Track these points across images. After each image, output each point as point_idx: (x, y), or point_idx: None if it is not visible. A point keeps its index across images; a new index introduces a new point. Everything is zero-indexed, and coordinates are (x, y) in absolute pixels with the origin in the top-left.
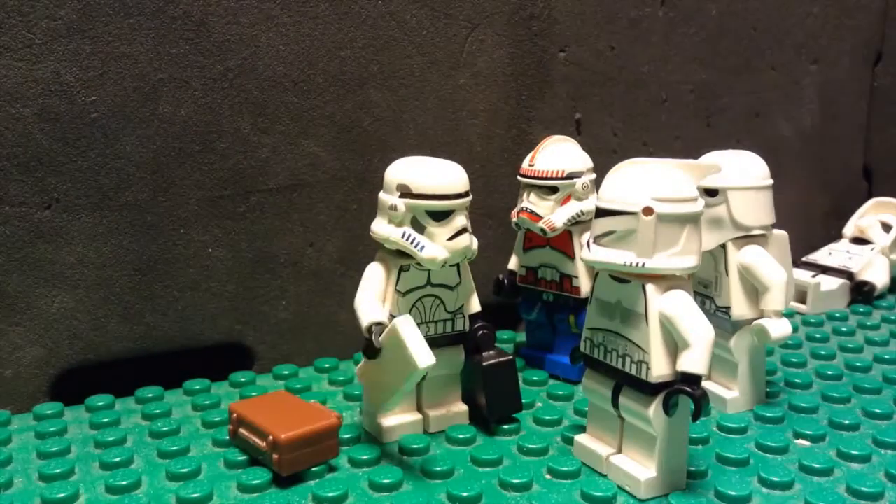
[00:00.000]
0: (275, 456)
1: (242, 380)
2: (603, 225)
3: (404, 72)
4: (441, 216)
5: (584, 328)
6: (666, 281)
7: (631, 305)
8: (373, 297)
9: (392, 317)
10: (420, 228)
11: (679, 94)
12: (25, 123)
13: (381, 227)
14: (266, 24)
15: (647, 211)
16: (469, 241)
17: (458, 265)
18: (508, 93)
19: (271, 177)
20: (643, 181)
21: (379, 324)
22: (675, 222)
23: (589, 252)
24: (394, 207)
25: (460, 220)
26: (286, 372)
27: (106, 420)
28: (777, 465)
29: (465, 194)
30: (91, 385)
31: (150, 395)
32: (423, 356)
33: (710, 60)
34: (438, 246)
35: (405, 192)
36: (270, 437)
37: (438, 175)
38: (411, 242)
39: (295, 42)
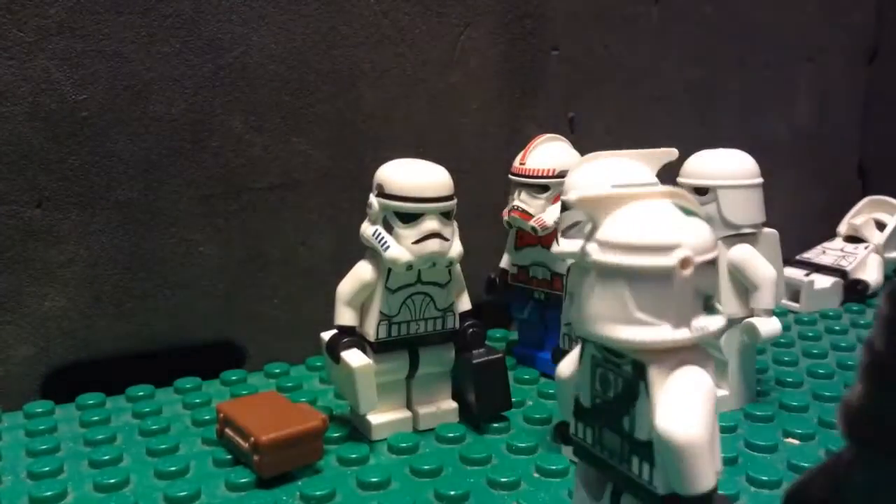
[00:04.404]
0: (255, 457)
1: (234, 378)
2: (569, 217)
3: (396, 70)
4: (409, 218)
5: (562, 324)
6: None
7: None
8: (350, 295)
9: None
10: (389, 228)
11: (673, 93)
12: (15, 122)
13: (364, 224)
14: (258, 23)
15: None
16: (438, 247)
17: None
18: (501, 91)
19: (263, 175)
20: (603, 172)
21: (346, 330)
22: None
23: (558, 245)
24: (370, 205)
25: (430, 225)
26: (278, 370)
27: (96, 418)
28: (766, 464)
29: (439, 199)
30: (82, 383)
31: (140, 394)
32: (366, 404)
33: (703, 58)
34: (402, 248)
35: (380, 192)
36: (252, 439)
37: (411, 177)
38: (378, 241)
39: (287, 40)
